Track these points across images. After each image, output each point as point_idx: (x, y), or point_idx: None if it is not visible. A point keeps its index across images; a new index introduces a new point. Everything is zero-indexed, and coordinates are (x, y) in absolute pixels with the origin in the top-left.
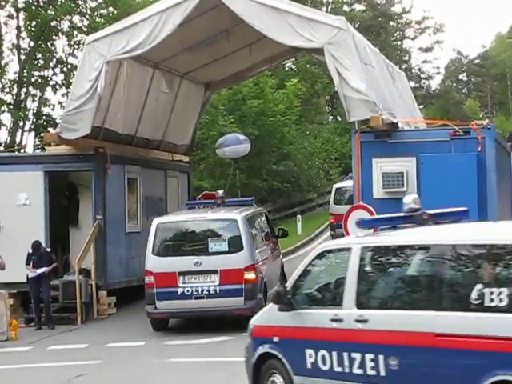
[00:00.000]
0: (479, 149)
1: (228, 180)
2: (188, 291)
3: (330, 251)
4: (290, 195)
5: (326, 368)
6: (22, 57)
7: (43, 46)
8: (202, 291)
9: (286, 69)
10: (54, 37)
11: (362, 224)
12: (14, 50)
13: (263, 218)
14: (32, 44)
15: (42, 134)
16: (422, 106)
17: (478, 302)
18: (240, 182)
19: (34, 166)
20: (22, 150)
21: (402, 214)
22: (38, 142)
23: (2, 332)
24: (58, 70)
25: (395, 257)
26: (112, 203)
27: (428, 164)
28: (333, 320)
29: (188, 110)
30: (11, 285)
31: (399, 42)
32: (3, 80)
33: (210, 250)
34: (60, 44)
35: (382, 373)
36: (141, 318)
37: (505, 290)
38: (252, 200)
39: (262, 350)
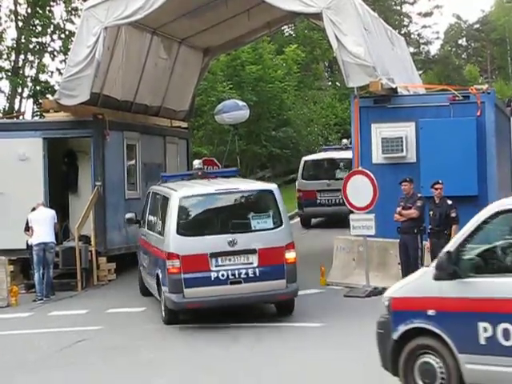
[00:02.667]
0: (478, 113)
1: (227, 146)
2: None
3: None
4: (290, 161)
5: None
6: (20, 23)
7: (41, 12)
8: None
9: (285, 34)
10: (51, 3)
11: (163, 177)
12: (12, 16)
13: None
14: (29, 10)
15: (41, 101)
16: (421, 72)
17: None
18: (239, 148)
19: (33, 132)
20: (21, 117)
21: (188, 172)
22: (36, 109)
23: (2, 298)
24: (55, 37)
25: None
26: (111, 170)
27: (427, 129)
28: None
29: (187, 75)
30: (11, 251)
31: (398, 7)
32: (1, 47)
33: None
34: (58, 10)
35: None
36: None
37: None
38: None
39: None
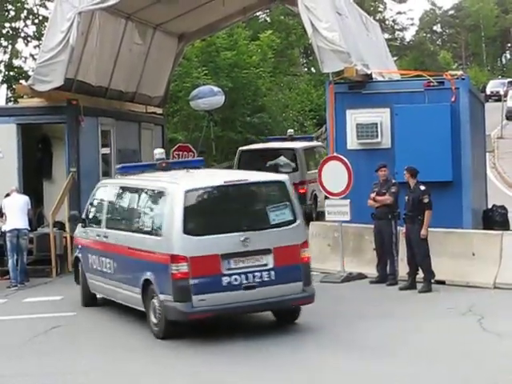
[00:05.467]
0: (453, 99)
1: (202, 132)
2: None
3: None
4: None
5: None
6: None
7: None
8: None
9: (260, 20)
10: None
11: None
12: None
13: None
14: None
15: (14, 87)
16: (396, 58)
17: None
18: (214, 134)
19: (7, 118)
20: None
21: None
22: (10, 95)
23: None
24: (29, 22)
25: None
26: (86, 156)
27: (402, 115)
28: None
29: (161, 61)
30: None
31: None
32: None
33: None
34: None
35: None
36: None
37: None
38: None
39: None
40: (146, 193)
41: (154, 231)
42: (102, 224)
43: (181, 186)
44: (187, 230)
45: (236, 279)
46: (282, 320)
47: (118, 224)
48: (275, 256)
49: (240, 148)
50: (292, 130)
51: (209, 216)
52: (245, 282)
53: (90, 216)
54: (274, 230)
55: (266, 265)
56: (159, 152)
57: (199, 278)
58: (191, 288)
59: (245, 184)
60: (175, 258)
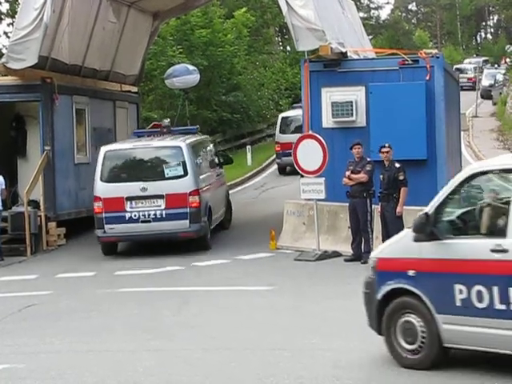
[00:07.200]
0: (428, 77)
1: (177, 111)
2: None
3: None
4: (240, 126)
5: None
6: None
7: None
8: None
9: None
10: None
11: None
12: None
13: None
14: None
15: None
16: (371, 37)
17: None
18: (189, 112)
19: None
20: None
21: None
22: None
23: None
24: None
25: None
26: (60, 134)
27: (377, 93)
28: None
29: (136, 40)
30: None
31: None
32: None
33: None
34: None
35: None
36: (91, 248)
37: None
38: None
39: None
40: None
41: None
42: None
43: (105, 147)
44: (103, 179)
45: (135, 215)
46: (198, 249)
47: None
48: (167, 200)
49: (280, 114)
50: (167, 121)
51: (119, 169)
52: (142, 217)
53: None
54: (168, 181)
55: (159, 206)
56: (167, 121)
57: (109, 212)
58: (104, 219)
59: (148, 147)
60: (95, 198)
